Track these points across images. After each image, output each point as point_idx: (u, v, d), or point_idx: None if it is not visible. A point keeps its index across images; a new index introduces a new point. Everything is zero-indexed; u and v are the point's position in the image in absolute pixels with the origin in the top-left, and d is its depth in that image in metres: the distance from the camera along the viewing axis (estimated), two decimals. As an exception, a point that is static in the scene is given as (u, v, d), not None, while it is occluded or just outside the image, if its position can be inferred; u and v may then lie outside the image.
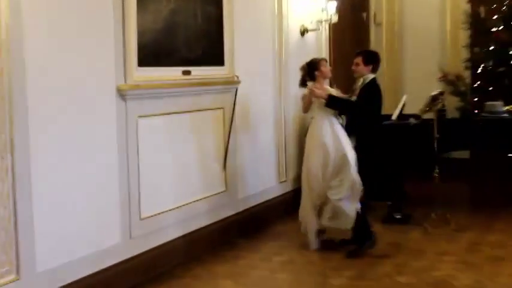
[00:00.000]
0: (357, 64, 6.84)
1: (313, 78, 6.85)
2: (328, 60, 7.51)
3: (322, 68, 6.88)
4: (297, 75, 8.40)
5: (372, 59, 6.90)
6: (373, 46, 11.11)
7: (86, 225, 5.12)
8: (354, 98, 6.82)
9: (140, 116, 5.69)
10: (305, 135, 8.75)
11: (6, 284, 4.39)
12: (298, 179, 8.45)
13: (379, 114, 6.90)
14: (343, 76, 9.85)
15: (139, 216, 5.72)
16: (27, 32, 4.49)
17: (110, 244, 5.40)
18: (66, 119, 4.85)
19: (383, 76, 11.17)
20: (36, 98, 4.57)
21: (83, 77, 5.08)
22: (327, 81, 7.36)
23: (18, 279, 4.49)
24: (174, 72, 6.13)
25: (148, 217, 5.83)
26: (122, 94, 5.46)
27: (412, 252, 6.59)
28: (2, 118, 4.29)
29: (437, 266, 6.07)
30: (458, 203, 8.60)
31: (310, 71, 6.89)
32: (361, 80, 6.86)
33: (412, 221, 7.73)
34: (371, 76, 6.76)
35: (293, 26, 8.41)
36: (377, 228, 7.45)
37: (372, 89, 6.75)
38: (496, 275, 5.77)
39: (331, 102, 6.67)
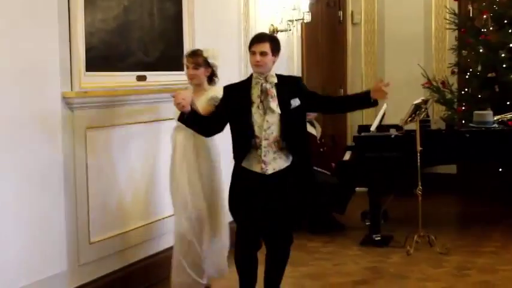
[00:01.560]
0: (264, 54, 5.25)
1: None
2: (196, 57, 5.90)
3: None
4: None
5: (279, 47, 5.47)
6: (350, 48, 11.21)
7: (28, 252, 5.02)
8: (273, 103, 5.30)
9: (89, 128, 5.64)
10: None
11: None
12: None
13: None
14: (317, 80, 9.93)
15: (89, 241, 5.67)
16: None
17: (56, 272, 5.31)
18: (7, 130, 4.77)
19: (361, 81, 11.31)
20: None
21: (26, 84, 4.98)
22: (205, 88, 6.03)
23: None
24: (127, 78, 6.07)
25: (99, 241, 5.78)
26: (68, 103, 5.39)
27: (393, 278, 6.63)
28: None
29: (420, 293, 6.13)
30: (444, 222, 8.68)
31: None
32: (270, 76, 5.35)
33: (392, 243, 7.76)
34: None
35: (261, 26, 8.39)
36: (354, 251, 7.55)
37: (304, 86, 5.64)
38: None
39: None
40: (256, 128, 5.25)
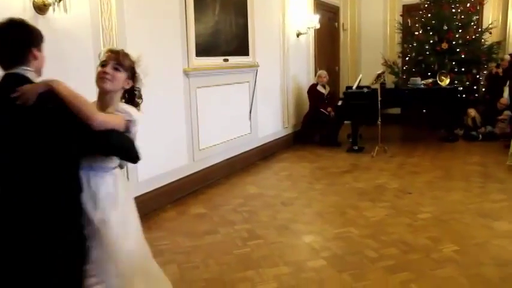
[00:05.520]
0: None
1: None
2: (122, 57, 2.36)
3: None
4: (295, 62, 8.41)
5: None
6: (342, 43, 11.00)
7: (169, 152, 5.20)
8: None
9: (198, 87, 5.68)
10: (298, 99, 8.81)
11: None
12: (295, 126, 8.52)
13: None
14: (324, 63, 9.80)
15: (199, 147, 5.78)
16: (131, 40, 4.51)
17: (182, 164, 5.49)
18: (156, 88, 4.85)
19: (348, 63, 11.15)
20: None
21: (165, 64, 5.08)
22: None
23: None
24: (218, 60, 6.08)
25: (205, 148, 5.88)
26: (186, 74, 5.45)
27: (364, 169, 6.61)
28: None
29: (378, 177, 6.11)
30: (392, 140, 8.60)
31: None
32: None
33: (364, 151, 7.67)
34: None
35: (291, 30, 8.26)
36: (343, 155, 7.55)
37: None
38: (413, 182, 5.81)
39: None
40: None
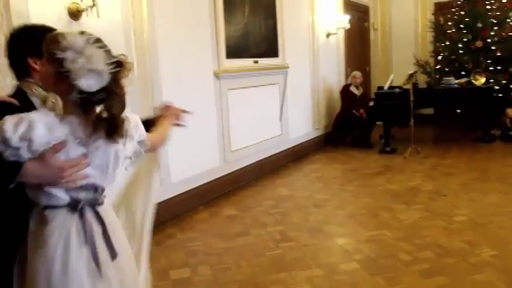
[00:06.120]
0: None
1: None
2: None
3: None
4: (325, 63, 8.36)
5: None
6: (372, 43, 10.88)
7: (201, 153, 5.23)
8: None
9: (229, 89, 5.69)
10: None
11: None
12: (326, 127, 8.46)
13: None
14: (353, 63, 9.71)
15: (230, 149, 5.78)
16: (161, 43, 4.56)
17: (214, 166, 5.51)
18: (187, 90, 4.89)
19: (379, 63, 11.03)
20: (169, 80, 4.67)
21: (196, 66, 5.12)
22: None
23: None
24: (248, 62, 6.07)
25: (236, 150, 5.89)
26: (217, 76, 5.46)
27: (396, 170, 6.49)
28: (146, 97, 4.39)
29: (412, 178, 5.99)
30: (425, 141, 8.45)
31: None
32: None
33: (396, 152, 7.54)
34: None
35: (321, 31, 8.19)
36: (375, 156, 7.46)
37: None
38: (447, 184, 5.68)
39: None
40: None
